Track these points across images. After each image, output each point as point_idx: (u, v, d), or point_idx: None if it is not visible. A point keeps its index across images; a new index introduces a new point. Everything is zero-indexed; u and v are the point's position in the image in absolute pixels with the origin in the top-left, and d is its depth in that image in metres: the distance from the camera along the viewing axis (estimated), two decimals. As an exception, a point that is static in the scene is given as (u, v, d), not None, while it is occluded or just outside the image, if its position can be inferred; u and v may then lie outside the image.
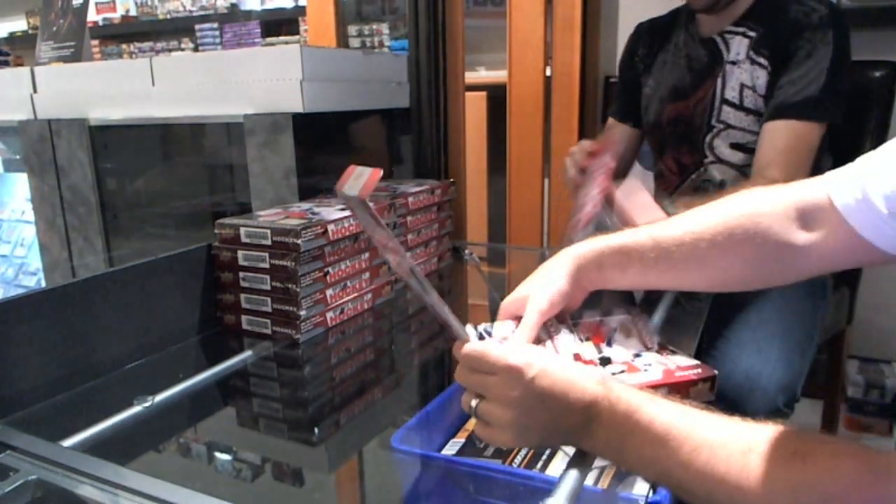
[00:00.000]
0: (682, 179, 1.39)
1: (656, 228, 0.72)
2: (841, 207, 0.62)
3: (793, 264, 0.67)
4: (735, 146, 1.29)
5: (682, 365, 0.72)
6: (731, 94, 1.27)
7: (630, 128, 1.52)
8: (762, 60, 1.24)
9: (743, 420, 0.52)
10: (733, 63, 1.27)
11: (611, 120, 1.57)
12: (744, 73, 1.25)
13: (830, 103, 1.16)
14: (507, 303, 0.74)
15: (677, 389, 0.69)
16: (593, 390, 0.55)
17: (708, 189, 1.35)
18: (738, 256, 0.68)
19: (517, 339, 0.69)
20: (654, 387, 0.68)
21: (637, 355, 0.75)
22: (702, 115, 1.31)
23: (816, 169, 1.28)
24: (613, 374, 0.70)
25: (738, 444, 0.50)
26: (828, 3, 1.20)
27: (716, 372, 0.72)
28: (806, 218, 0.65)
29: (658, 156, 1.46)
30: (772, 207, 0.66)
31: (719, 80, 1.28)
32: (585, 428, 0.55)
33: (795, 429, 0.50)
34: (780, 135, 1.18)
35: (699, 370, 0.71)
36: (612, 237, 0.75)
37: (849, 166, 0.64)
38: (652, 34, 1.45)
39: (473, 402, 0.59)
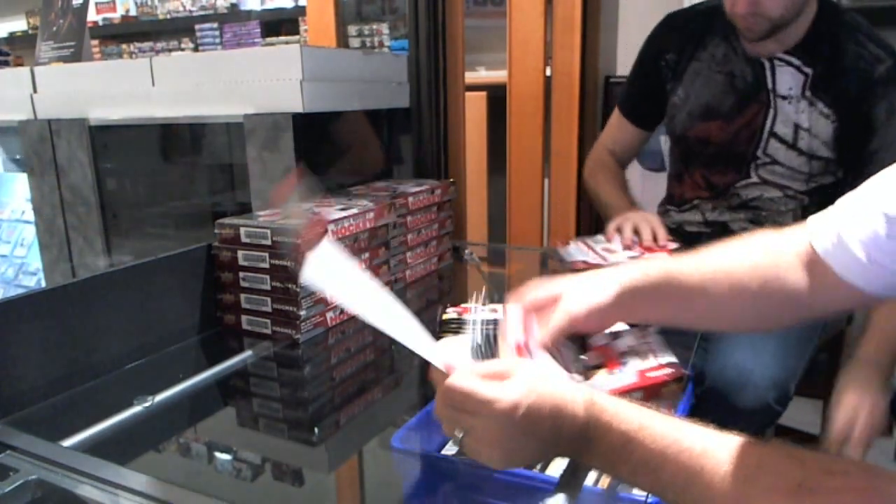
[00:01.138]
0: (713, 195, 1.33)
1: (699, 266, 0.70)
2: (822, 253, 0.63)
3: (799, 311, 0.68)
4: (781, 175, 1.25)
5: (654, 365, 0.73)
6: (784, 130, 1.21)
7: (634, 128, 1.45)
8: (822, 106, 1.18)
9: (741, 438, 0.51)
10: (784, 98, 1.20)
11: (616, 114, 1.48)
12: (800, 114, 1.19)
13: None
14: (534, 297, 0.71)
15: (650, 391, 0.70)
16: (583, 418, 0.54)
17: (734, 204, 1.31)
18: (759, 303, 0.68)
19: (534, 342, 0.68)
20: (629, 391, 0.69)
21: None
22: (747, 144, 1.25)
23: None
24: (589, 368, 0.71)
25: (738, 474, 0.48)
26: (889, 51, 1.16)
27: (686, 372, 0.73)
28: (807, 266, 0.66)
29: (682, 166, 1.39)
30: (789, 257, 0.66)
31: (770, 112, 1.22)
32: (577, 452, 0.55)
33: (798, 452, 0.49)
34: None
35: (670, 370, 0.72)
36: (659, 269, 0.71)
37: (829, 210, 0.65)
38: (683, 37, 1.34)
39: (458, 433, 0.55)
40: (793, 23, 1.16)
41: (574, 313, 0.69)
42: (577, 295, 0.71)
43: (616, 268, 0.73)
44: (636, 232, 1.20)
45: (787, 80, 1.20)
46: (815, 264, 0.64)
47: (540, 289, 0.72)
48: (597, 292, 0.70)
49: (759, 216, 1.28)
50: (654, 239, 1.18)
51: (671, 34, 1.36)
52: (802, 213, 1.26)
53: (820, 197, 1.24)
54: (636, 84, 1.44)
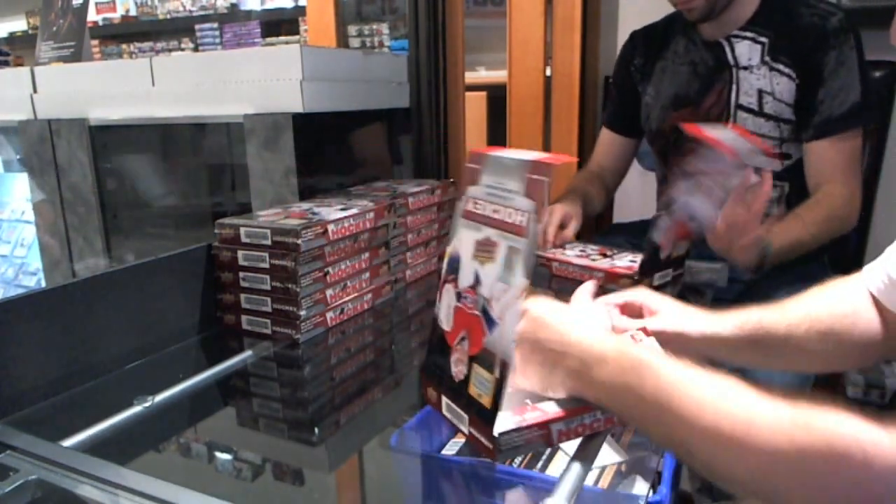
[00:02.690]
0: None
1: (784, 315, 0.75)
2: (877, 293, 0.69)
3: (875, 350, 0.73)
4: None
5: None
6: (748, 99, 1.26)
7: (622, 137, 1.51)
8: (782, 67, 1.22)
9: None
10: (746, 68, 1.25)
11: (604, 130, 1.55)
12: (761, 79, 1.24)
13: (868, 106, 1.18)
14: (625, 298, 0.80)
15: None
16: (602, 339, 0.58)
17: None
18: (842, 346, 0.73)
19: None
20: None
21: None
22: (716, 121, 1.29)
23: None
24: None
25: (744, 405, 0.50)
26: (839, 7, 1.21)
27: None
28: (875, 308, 0.71)
29: (663, 163, 1.44)
30: (863, 301, 0.72)
31: (733, 86, 1.27)
32: (587, 370, 0.57)
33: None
34: (832, 151, 1.18)
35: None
36: (748, 320, 0.75)
37: (882, 256, 0.70)
38: (647, 43, 1.44)
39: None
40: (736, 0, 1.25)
41: (668, 330, 0.75)
42: (676, 316, 0.76)
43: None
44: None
45: (746, 51, 1.26)
46: (877, 306, 0.69)
47: (632, 294, 0.80)
48: (694, 322, 0.75)
49: None
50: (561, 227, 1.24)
51: (636, 44, 1.47)
52: (786, 205, 1.28)
53: (800, 181, 1.26)
54: (615, 95, 1.54)
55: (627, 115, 1.49)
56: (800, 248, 1.13)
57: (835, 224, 1.17)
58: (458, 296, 0.64)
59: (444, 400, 0.65)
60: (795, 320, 0.72)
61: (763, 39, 1.25)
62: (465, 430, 0.62)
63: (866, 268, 0.72)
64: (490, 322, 0.59)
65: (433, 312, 0.68)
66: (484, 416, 0.59)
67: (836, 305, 0.72)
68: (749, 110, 1.26)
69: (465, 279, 0.63)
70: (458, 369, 0.62)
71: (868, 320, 0.70)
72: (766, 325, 0.73)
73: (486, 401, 0.58)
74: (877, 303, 0.70)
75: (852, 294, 0.72)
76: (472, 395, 0.60)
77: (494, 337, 0.58)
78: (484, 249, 0.61)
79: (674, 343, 0.73)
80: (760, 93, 1.25)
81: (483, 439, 0.59)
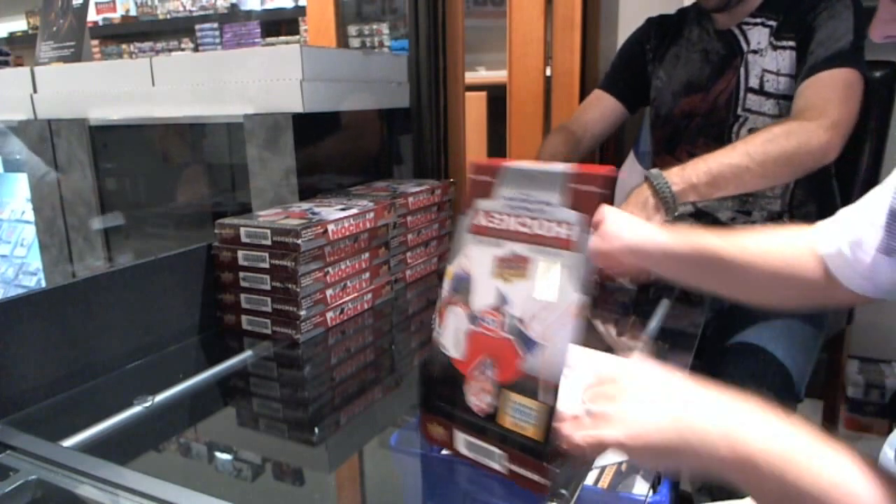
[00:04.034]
0: None
1: (741, 246, 0.77)
2: (824, 257, 0.71)
3: (815, 300, 0.76)
4: (753, 132, 1.30)
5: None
6: (755, 81, 1.29)
7: (614, 101, 1.50)
8: (785, 42, 1.25)
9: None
10: (755, 52, 1.29)
11: (595, 92, 1.53)
12: (767, 60, 1.27)
13: (860, 56, 1.18)
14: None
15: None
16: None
17: None
18: (788, 289, 0.76)
19: None
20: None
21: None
22: (726, 107, 1.32)
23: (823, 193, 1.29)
24: None
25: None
26: None
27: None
28: (819, 264, 0.74)
29: (666, 151, 1.44)
30: (808, 254, 0.74)
31: (742, 71, 1.30)
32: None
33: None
34: (815, 84, 1.17)
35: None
36: (701, 239, 0.77)
37: (833, 218, 0.74)
38: (663, 28, 1.47)
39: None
40: None
41: (627, 241, 0.75)
42: (630, 225, 0.77)
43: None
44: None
45: (757, 36, 1.29)
46: (822, 265, 0.72)
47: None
48: (653, 233, 0.77)
49: (746, 202, 1.30)
50: None
51: (652, 27, 1.49)
52: (791, 200, 1.28)
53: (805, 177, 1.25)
54: (619, 61, 1.55)
55: (629, 82, 1.50)
56: (738, 174, 1.08)
57: (796, 153, 1.10)
58: (472, 318, 0.57)
59: (462, 436, 0.58)
60: (750, 255, 0.75)
61: (771, 23, 1.28)
62: (502, 467, 0.55)
63: (820, 225, 0.74)
64: (528, 344, 0.53)
65: (431, 329, 0.61)
66: (530, 449, 0.52)
67: (787, 250, 0.75)
68: (755, 91, 1.29)
69: (482, 299, 0.56)
70: (480, 400, 0.56)
71: (813, 273, 0.73)
72: (714, 248, 0.75)
73: (531, 432, 0.52)
74: (824, 264, 0.72)
75: (801, 245, 0.75)
76: (508, 428, 0.53)
77: (539, 360, 0.52)
78: (510, 266, 0.55)
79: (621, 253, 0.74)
80: (763, 73, 1.28)
81: (532, 475, 0.52)
